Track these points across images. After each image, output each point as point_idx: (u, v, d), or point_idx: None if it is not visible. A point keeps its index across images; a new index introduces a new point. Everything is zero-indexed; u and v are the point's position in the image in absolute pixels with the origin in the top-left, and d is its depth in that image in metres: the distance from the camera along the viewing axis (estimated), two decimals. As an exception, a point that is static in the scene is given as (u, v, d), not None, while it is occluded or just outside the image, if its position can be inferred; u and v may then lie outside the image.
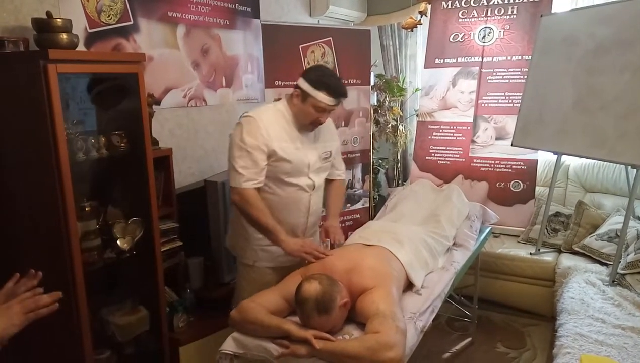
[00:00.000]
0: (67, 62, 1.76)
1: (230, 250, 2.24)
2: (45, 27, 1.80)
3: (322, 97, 1.92)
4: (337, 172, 2.26)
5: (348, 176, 3.45)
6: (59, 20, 1.82)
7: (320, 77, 1.94)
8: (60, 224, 1.79)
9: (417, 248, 2.10)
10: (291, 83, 3.17)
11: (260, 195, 1.97)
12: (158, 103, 2.63)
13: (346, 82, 3.32)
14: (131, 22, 2.47)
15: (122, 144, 2.07)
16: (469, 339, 3.06)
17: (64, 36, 1.81)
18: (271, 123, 1.97)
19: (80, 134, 1.95)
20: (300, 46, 3.16)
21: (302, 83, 1.96)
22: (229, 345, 1.67)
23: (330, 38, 3.24)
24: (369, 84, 3.47)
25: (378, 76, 4.17)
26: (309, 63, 3.19)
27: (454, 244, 2.44)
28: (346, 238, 2.44)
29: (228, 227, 2.30)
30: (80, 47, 2.12)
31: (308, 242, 1.98)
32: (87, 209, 1.97)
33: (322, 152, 2.11)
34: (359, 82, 3.38)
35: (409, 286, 1.96)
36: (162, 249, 2.26)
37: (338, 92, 1.96)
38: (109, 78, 2.07)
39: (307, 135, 2.05)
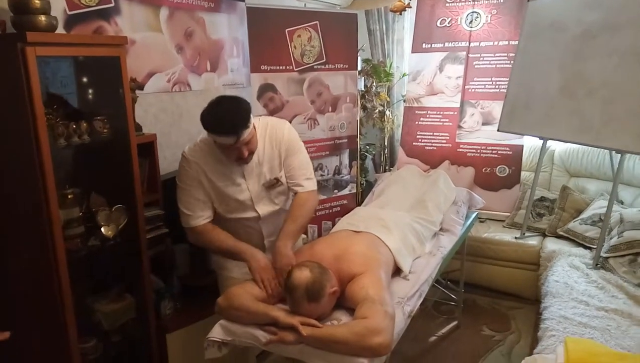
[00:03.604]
0: (46, 45, 1.71)
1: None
2: (22, 8, 1.73)
3: (221, 140, 1.77)
4: (297, 188, 1.98)
5: (335, 162, 3.43)
6: (37, 1, 1.74)
7: (208, 123, 1.77)
8: (42, 212, 1.75)
9: (405, 234, 2.11)
10: (277, 68, 3.15)
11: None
12: (141, 88, 2.57)
13: (333, 67, 3.29)
14: (112, 4, 2.40)
15: (105, 130, 2.02)
16: (455, 322, 3.10)
17: (43, 18, 1.75)
18: (202, 162, 1.87)
19: (62, 120, 1.90)
20: (287, 30, 3.11)
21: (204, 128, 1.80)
22: (216, 332, 1.67)
23: (317, 22, 3.19)
24: (356, 69, 3.45)
25: (365, 61, 4.14)
26: (295, 47, 3.15)
27: (440, 229, 2.45)
28: (333, 224, 2.44)
29: None
30: (60, 30, 2.06)
31: (270, 270, 1.79)
32: (69, 197, 1.93)
33: (265, 181, 1.95)
34: (346, 66, 3.34)
35: (396, 271, 1.97)
36: (148, 236, 2.23)
37: (226, 131, 1.74)
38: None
39: (247, 166, 1.90)
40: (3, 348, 1.71)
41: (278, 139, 1.94)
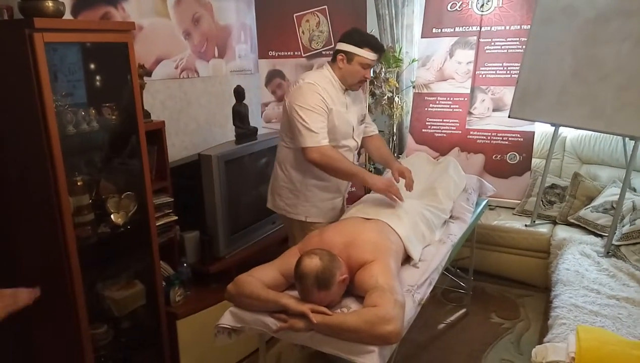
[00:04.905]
0: (54, 31, 1.70)
1: (274, 209, 2.38)
2: (29, -7, 1.72)
3: (367, 54, 2.12)
4: (371, 128, 2.50)
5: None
6: (43, -14, 1.73)
7: (361, 37, 2.15)
8: (52, 199, 1.76)
9: (415, 221, 2.09)
10: (285, 54, 3.12)
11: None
12: (149, 74, 2.56)
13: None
14: (119, -10, 2.39)
15: (113, 117, 2.02)
16: (464, 310, 3.09)
17: (50, 4, 1.74)
18: (326, 88, 2.13)
19: (70, 107, 1.89)
20: (295, 15, 3.08)
21: (345, 46, 2.14)
22: (226, 319, 1.67)
23: (326, 6, 3.15)
24: (365, 55, 3.40)
25: (374, 46, 4.08)
26: (303, 33, 3.12)
27: (450, 217, 2.42)
28: (343, 211, 2.42)
29: (269, 190, 2.40)
30: (67, 16, 2.04)
31: (393, 183, 2.16)
32: (79, 184, 1.93)
33: (359, 115, 2.32)
34: (355, 52, 3.30)
35: (406, 259, 1.96)
36: (157, 224, 2.24)
37: (379, 47, 2.18)
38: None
39: (348, 99, 2.24)
40: (15, 334, 1.73)
41: None
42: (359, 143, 2.36)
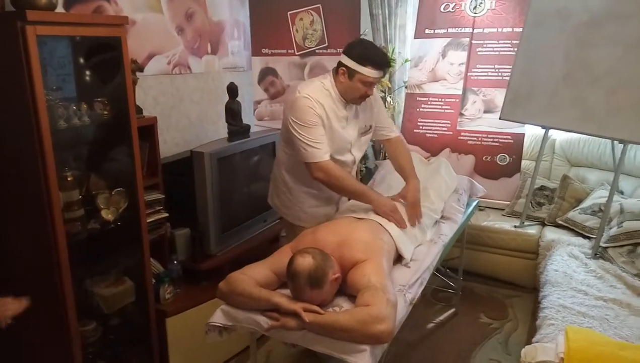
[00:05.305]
0: (46, 24, 1.67)
1: (274, 208, 2.39)
2: (21, -15, 1.70)
3: (369, 72, 1.98)
4: (384, 131, 2.34)
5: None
6: (35, -22, 1.71)
7: (364, 52, 1.99)
8: (42, 194, 1.73)
9: (406, 221, 2.10)
10: (278, 51, 3.11)
11: (302, 169, 2.08)
12: (141, 69, 2.54)
13: (335, 51, 3.25)
14: (112, -17, 2.36)
15: (105, 112, 2.00)
16: (453, 310, 3.11)
17: (42, -4, 1.72)
18: (322, 102, 2.03)
19: (61, 101, 1.87)
20: (289, 13, 3.07)
21: (347, 60, 2.01)
22: (218, 317, 1.66)
23: (320, 5, 3.15)
24: (358, 54, 3.40)
25: (367, 46, 4.08)
26: (297, 31, 3.11)
27: (441, 217, 2.44)
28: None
29: (270, 186, 2.39)
30: (59, 9, 2.02)
31: (397, 210, 2.06)
32: (69, 179, 1.91)
33: (361, 126, 2.19)
34: (348, 51, 3.30)
35: (398, 259, 1.96)
36: (148, 220, 2.23)
37: (383, 64, 2.02)
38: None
39: (349, 111, 2.13)
40: (3, 331, 1.70)
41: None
42: (358, 156, 2.25)
